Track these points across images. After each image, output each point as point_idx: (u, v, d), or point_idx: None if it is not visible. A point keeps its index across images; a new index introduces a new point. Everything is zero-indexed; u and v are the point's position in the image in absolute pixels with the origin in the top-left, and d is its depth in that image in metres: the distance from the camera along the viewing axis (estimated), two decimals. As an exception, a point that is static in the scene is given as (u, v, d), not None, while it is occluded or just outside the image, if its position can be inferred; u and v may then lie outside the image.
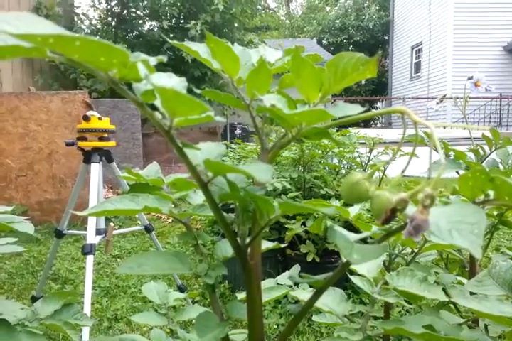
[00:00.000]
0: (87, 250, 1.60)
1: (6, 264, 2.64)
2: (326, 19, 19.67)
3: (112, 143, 1.83)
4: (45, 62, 5.93)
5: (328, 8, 23.55)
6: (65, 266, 2.60)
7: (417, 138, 0.29)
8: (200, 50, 0.41)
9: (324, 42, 18.85)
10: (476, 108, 11.18)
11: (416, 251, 0.65)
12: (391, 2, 16.05)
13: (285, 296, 0.61)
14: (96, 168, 1.77)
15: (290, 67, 0.36)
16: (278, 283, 0.63)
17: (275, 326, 1.82)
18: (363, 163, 2.33)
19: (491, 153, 0.83)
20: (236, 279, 2.19)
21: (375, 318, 0.59)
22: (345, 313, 0.54)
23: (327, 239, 1.86)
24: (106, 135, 1.81)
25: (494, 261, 0.55)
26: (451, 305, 0.64)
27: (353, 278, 0.57)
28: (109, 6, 7.27)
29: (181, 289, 1.95)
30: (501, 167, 0.82)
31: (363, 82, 17.38)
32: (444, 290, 0.60)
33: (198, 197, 0.50)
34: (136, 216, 2.97)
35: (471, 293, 0.55)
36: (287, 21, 26.45)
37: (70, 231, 1.93)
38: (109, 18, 7.41)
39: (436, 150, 0.27)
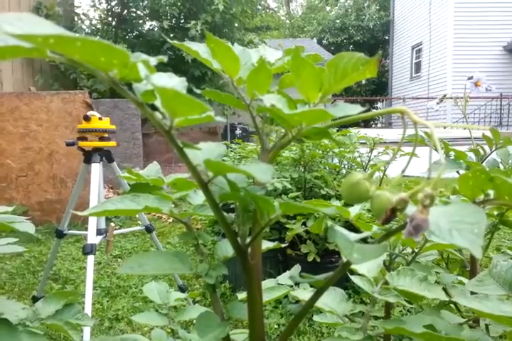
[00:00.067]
0: (88, 250, 1.60)
1: (7, 264, 2.65)
2: (326, 19, 19.68)
3: (112, 143, 1.83)
4: (45, 62, 5.94)
5: (328, 8, 23.55)
6: (65, 266, 2.60)
7: (417, 138, 0.29)
8: (200, 50, 0.41)
9: (324, 42, 18.85)
10: (476, 108, 11.18)
11: (416, 250, 0.65)
12: (391, 2, 16.05)
13: (286, 296, 0.61)
14: (96, 168, 1.77)
15: (290, 67, 0.36)
16: (279, 283, 0.63)
17: (276, 326, 1.82)
18: (364, 163, 2.32)
19: (491, 152, 0.83)
20: (237, 279, 2.19)
21: (376, 318, 0.59)
22: (345, 313, 0.54)
23: (328, 239, 1.86)
24: (106, 135, 1.81)
25: (495, 261, 0.55)
26: (451, 305, 0.64)
27: (354, 278, 0.57)
28: (109, 6, 7.27)
29: (182, 289, 1.95)
30: (502, 167, 0.82)
31: (363, 81, 17.38)
32: (444, 289, 0.60)
33: (198, 197, 0.50)
34: (137, 216, 2.98)
35: (472, 293, 0.55)
36: (287, 21, 26.45)
37: (70, 232, 1.93)
38: (110, 18, 7.41)
39: (436, 150, 0.27)
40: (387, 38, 17.73)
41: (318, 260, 1.96)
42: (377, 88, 18.15)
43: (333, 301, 0.54)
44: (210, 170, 0.33)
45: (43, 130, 3.51)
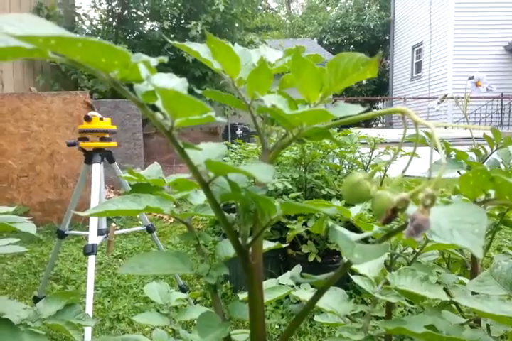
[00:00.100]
0: (89, 250, 1.60)
1: (8, 265, 2.65)
2: (327, 19, 19.68)
3: (113, 144, 1.83)
4: (46, 63, 5.95)
5: (328, 8, 23.55)
6: (66, 267, 2.60)
7: (418, 138, 0.29)
8: (200, 50, 0.41)
9: (325, 42, 18.85)
10: (477, 108, 11.17)
11: (417, 250, 0.65)
12: (392, 2, 16.04)
13: (287, 296, 0.61)
14: (97, 169, 1.77)
15: (291, 68, 0.36)
16: (280, 283, 0.63)
17: (277, 326, 1.82)
18: (364, 163, 2.32)
19: (492, 152, 0.83)
20: (238, 279, 2.19)
21: (377, 318, 0.59)
22: (346, 313, 0.54)
23: (328, 239, 1.86)
24: (107, 135, 1.81)
25: (496, 261, 0.55)
26: (453, 305, 0.64)
27: (354, 278, 0.57)
28: (109, 7, 7.28)
29: (183, 289, 1.95)
30: (503, 167, 0.82)
31: (364, 82, 17.38)
32: (445, 290, 0.60)
33: (199, 198, 0.50)
34: (138, 216, 2.98)
35: (473, 293, 0.55)
36: (288, 21, 26.45)
37: (71, 232, 1.93)
38: (110, 19, 7.42)
39: (437, 150, 0.27)
40: (387, 38, 17.73)
41: (319, 260, 1.96)
42: (378, 88, 18.14)
43: (334, 301, 0.54)
44: (211, 171, 0.34)
45: (43, 130, 3.51)
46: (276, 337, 1.75)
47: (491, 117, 11.56)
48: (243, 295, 0.60)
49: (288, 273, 0.64)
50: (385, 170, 2.04)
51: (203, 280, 0.44)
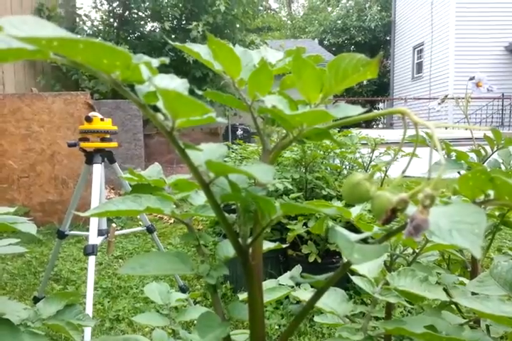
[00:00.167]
0: (89, 251, 1.60)
1: (8, 265, 2.65)
2: (328, 20, 19.69)
3: (113, 144, 1.83)
4: (47, 64, 5.95)
5: (329, 9, 23.56)
6: (67, 267, 2.60)
7: (418, 138, 0.29)
8: (201, 51, 0.41)
9: (326, 42, 18.86)
10: (478, 108, 11.17)
11: (417, 251, 0.65)
12: (393, 2, 16.05)
13: (287, 297, 0.61)
14: (98, 169, 1.77)
15: (291, 68, 0.36)
16: (280, 284, 0.63)
17: (277, 326, 1.82)
18: (365, 164, 2.33)
19: (492, 153, 0.83)
20: (238, 280, 2.19)
21: (377, 319, 0.59)
22: (346, 313, 0.54)
23: (329, 240, 1.86)
24: (108, 136, 1.81)
25: (496, 262, 0.55)
26: (452, 306, 0.64)
27: (354, 279, 0.57)
28: (111, 7, 7.29)
29: (183, 290, 1.95)
30: (503, 167, 0.82)
31: (365, 82, 17.38)
32: (445, 290, 0.60)
33: (199, 198, 0.50)
34: (138, 217, 2.98)
35: (473, 294, 0.55)
36: (289, 22, 26.46)
37: (72, 232, 1.93)
38: (111, 19, 7.42)
39: (437, 150, 0.27)
40: (388, 38, 17.73)
41: (319, 261, 1.96)
42: (379, 88, 18.15)
43: (333, 302, 0.55)
44: (212, 171, 0.34)
45: (44, 131, 3.52)
46: (275, 338, 1.75)
47: (492, 118, 11.56)
48: (243, 296, 0.61)
49: (288, 274, 0.64)
50: (386, 171, 2.04)
51: (203, 280, 0.44)
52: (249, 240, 0.39)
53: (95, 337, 1.72)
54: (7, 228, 0.54)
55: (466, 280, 0.69)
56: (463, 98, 1.03)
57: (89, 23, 7.33)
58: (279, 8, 28.32)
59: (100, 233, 1.83)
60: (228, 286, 2.21)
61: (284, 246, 0.54)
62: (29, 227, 0.56)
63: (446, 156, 0.82)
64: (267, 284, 0.62)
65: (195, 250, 0.48)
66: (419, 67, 14.01)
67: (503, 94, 11.13)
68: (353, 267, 0.57)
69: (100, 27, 7.45)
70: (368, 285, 0.56)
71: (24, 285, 2.35)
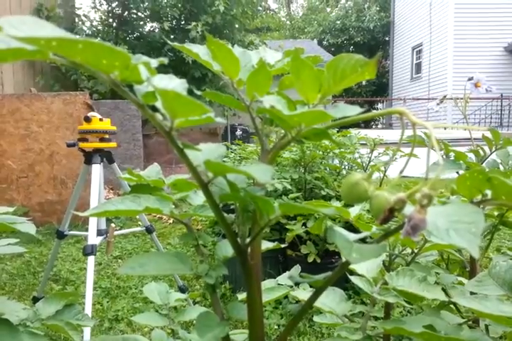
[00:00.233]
0: (88, 251, 1.60)
1: (8, 265, 2.65)
2: (327, 20, 19.70)
3: (112, 144, 1.83)
4: (46, 64, 5.95)
5: (328, 9, 23.59)
6: (66, 267, 2.60)
7: (416, 139, 0.29)
8: (200, 52, 0.41)
9: (325, 43, 18.87)
10: (477, 108, 11.18)
11: (416, 251, 0.65)
12: (392, 3, 16.07)
13: (286, 296, 0.61)
14: (97, 169, 1.77)
15: (290, 69, 0.36)
16: (278, 284, 0.63)
17: (276, 326, 1.82)
18: (364, 164, 2.33)
19: (491, 153, 0.84)
20: (237, 280, 2.19)
21: (376, 318, 0.59)
22: (345, 313, 0.54)
23: (327, 240, 1.86)
24: (107, 136, 1.81)
25: (494, 262, 0.55)
26: (451, 306, 0.64)
27: (353, 278, 0.57)
28: (110, 8, 7.28)
29: (182, 290, 1.95)
30: (502, 168, 0.82)
31: (364, 82, 17.39)
32: (444, 290, 0.60)
33: (198, 198, 0.50)
34: (137, 217, 2.98)
35: (472, 293, 0.55)
36: (288, 22, 26.48)
37: (71, 232, 1.93)
38: (110, 20, 7.42)
39: (435, 150, 0.27)
40: (387, 39, 17.75)
41: (319, 261, 1.96)
42: (378, 89, 18.16)
43: (332, 301, 0.55)
44: (210, 171, 0.34)
45: (43, 131, 3.51)
46: (275, 338, 1.75)
47: (491, 118, 11.57)
48: (242, 296, 0.61)
49: (287, 274, 0.64)
50: (385, 171, 2.04)
51: (202, 280, 0.44)
52: (248, 240, 0.39)
53: (94, 337, 1.72)
54: (6, 228, 0.54)
55: (464, 280, 0.69)
56: (462, 98, 1.03)
57: (88, 24, 7.33)
58: (278, 8, 28.34)
59: (99, 233, 1.83)
60: (227, 286, 2.21)
61: (282, 246, 0.55)
62: (28, 227, 0.56)
63: (444, 156, 0.82)
64: (266, 284, 0.62)
65: (195, 250, 0.49)
66: (418, 68, 14.03)
67: (501, 95, 11.15)
68: (352, 267, 0.58)
69: (99, 27, 7.45)
70: (366, 285, 0.56)
71: (23, 285, 2.35)
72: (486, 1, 11.55)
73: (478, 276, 0.54)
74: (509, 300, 0.49)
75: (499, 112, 11.65)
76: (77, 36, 0.24)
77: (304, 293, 0.59)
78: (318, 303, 0.53)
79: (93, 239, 1.64)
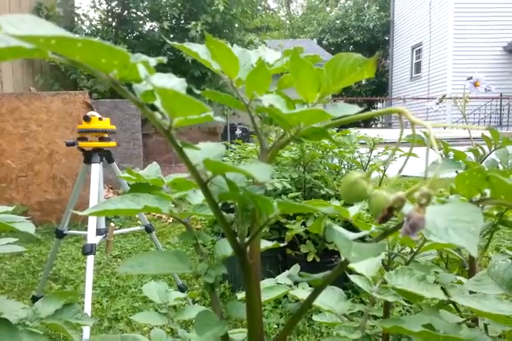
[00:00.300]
0: (88, 250, 1.60)
1: (7, 264, 2.65)
2: (327, 19, 19.68)
3: (112, 144, 1.83)
4: (45, 63, 5.94)
5: (328, 9, 23.58)
6: (65, 266, 2.60)
7: (415, 138, 0.29)
8: (200, 51, 0.41)
9: (324, 42, 18.86)
10: (476, 108, 11.19)
11: (415, 250, 0.65)
12: (391, 2, 16.06)
13: (285, 296, 0.61)
14: (96, 168, 1.77)
15: (289, 68, 0.36)
16: (278, 283, 0.63)
17: (275, 326, 1.82)
18: (363, 163, 2.33)
19: (490, 153, 0.84)
20: (236, 279, 2.19)
21: (375, 317, 0.59)
22: (344, 312, 0.54)
23: (326, 239, 1.86)
24: (106, 135, 1.81)
25: (493, 261, 0.55)
26: (450, 305, 0.64)
27: (352, 277, 0.57)
28: (109, 7, 7.28)
29: (182, 289, 1.95)
30: (501, 167, 0.82)
31: (364, 82, 17.39)
32: (443, 289, 0.60)
33: (197, 197, 0.50)
34: (137, 216, 2.98)
35: (471, 292, 0.55)
36: (287, 22, 26.47)
37: (70, 232, 1.93)
38: (110, 19, 7.41)
39: (434, 150, 0.27)
40: (387, 38, 17.74)
41: (318, 260, 1.96)
42: (378, 88, 18.15)
43: (331, 300, 0.55)
44: (209, 170, 0.34)
45: (43, 130, 3.51)
46: (274, 337, 1.75)
47: (490, 117, 11.57)
48: (241, 295, 0.61)
49: (286, 273, 0.64)
50: (385, 170, 2.04)
51: (202, 279, 0.44)
52: (247, 239, 0.39)
53: (94, 336, 1.72)
54: (5, 227, 0.54)
55: (464, 280, 0.69)
56: (461, 98, 1.03)
57: (87, 23, 7.32)
58: (278, 7, 28.32)
59: (99, 232, 1.83)
60: (227, 285, 2.21)
61: (282, 245, 0.55)
62: (27, 226, 0.56)
63: (444, 156, 0.82)
64: (266, 283, 0.62)
65: (194, 249, 0.49)
66: (418, 67, 14.03)
67: (501, 94, 11.15)
68: (351, 266, 0.58)
69: (99, 26, 7.44)
70: (365, 284, 0.56)
71: (22, 285, 2.35)
72: (485, 0, 11.55)
73: (477, 275, 0.54)
74: (508, 299, 0.49)
75: (498, 112, 11.65)
76: (77, 35, 0.24)
77: (303, 292, 0.59)
78: (317, 302, 0.53)
79: (92, 238, 1.64)
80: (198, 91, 0.39)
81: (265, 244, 0.52)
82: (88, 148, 1.81)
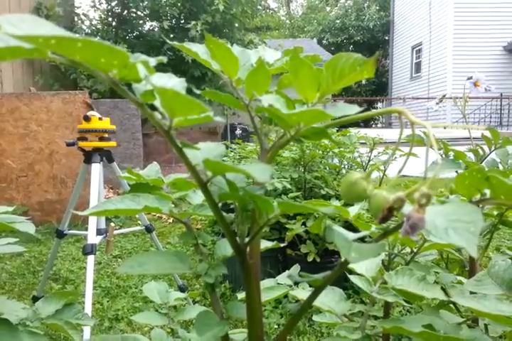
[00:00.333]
0: (88, 250, 1.60)
1: (7, 264, 2.65)
2: (327, 19, 19.68)
3: (112, 144, 1.83)
4: (45, 63, 5.94)
5: (328, 8, 23.57)
6: (65, 266, 2.60)
7: (414, 138, 0.29)
8: (199, 51, 0.41)
9: (324, 42, 18.85)
10: (476, 108, 11.18)
11: (415, 250, 0.65)
12: (391, 2, 16.05)
13: (285, 296, 0.61)
14: (96, 168, 1.77)
15: (288, 68, 0.36)
16: (278, 283, 0.63)
17: (275, 326, 1.82)
18: (364, 163, 2.33)
19: (490, 153, 0.84)
20: (237, 280, 2.19)
21: (376, 318, 0.59)
22: (344, 312, 0.54)
23: (326, 239, 1.86)
24: (106, 135, 1.81)
25: (493, 261, 0.55)
26: (451, 305, 0.64)
27: (352, 278, 0.57)
28: (109, 7, 7.28)
29: (182, 289, 1.95)
30: (501, 167, 0.82)
31: (364, 82, 17.38)
32: (443, 289, 0.60)
33: (197, 197, 0.50)
34: (137, 216, 2.98)
35: (471, 293, 0.55)
36: (287, 21, 26.45)
37: (70, 232, 1.93)
38: (110, 19, 7.41)
39: (434, 150, 0.27)
40: (387, 38, 17.73)
41: (318, 260, 1.96)
42: (378, 88, 18.14)
43: (331, 300, 0.55)
44: (209, 170, 0.34)
45: (43, 130, 3.51)
46: (274, 337, 1.75)
47: (490, 117, 11.57)
48: (242, 295, 0.61)
49: (286, 273, 0.64)
50: (385, 170, 2.04)
51: (202, 279, 0.44)
52: (247, 239, 0.39)
53: (94, 336, 1.72)
54: (6, 227, 0.54)
55: (464, 280, 0.69)
56: (461, 98, 1.03)
57: (87, 22, 7.32)
58: (278, 7, 28.32)
59: (99, 232, 1.83)
60: (227, 285, 2.21)
61: (282, 245, 0.55)
62: (27, 226, 0.56)
63: (444, 156, 0.82)
64: (266, 283, 0.62)
65: (194, 249, 0.49)
66: (418, 67, 14.02)
67: (501, 94, 11.15)
68: (351, 266, 0.58)
69: (99, 26, 7.44)
70: (365, 284, 0.56)
71: (23, 285, 2.35)
72: (485, 0, 11.55)
73: (478, 275, 0.54)
74: (508, 299, 0.49)
75: (498, 111, 11.65)
76: (77, 35, 0.24)
77: (303, 293, 0.59)
78: (317, 302, 0.53)
79: (93, 238, 1.64)
80: (198, 91, 0.39)
81: (265, 244, 0.52)
82: (88, 148, 1.81)
